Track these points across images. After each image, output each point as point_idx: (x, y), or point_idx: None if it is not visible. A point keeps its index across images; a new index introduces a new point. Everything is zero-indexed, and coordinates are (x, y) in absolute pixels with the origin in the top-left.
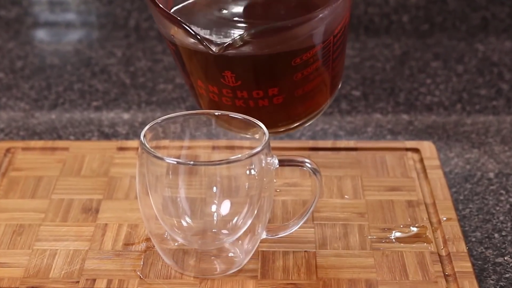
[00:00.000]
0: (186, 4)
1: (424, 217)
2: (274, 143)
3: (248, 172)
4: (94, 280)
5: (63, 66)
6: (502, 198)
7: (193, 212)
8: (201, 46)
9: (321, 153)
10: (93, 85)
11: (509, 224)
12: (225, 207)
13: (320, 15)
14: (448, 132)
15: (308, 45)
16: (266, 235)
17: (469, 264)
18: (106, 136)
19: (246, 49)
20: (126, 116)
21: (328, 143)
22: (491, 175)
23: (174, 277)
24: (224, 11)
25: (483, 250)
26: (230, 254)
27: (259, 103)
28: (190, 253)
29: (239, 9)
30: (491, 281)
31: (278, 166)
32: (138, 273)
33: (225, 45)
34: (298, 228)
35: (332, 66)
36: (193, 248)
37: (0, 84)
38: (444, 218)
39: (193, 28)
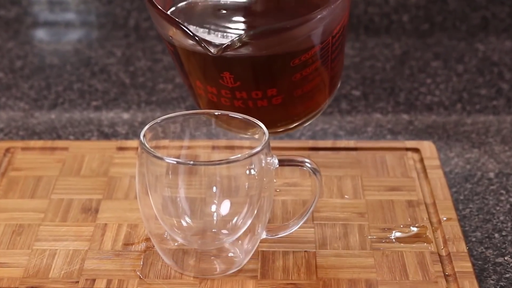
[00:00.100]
0: (184, 4)
1: (424, 217)
2: (274, 143)
3: (248, 172)
4: (94, 280)
5: (62, 65)
6: (502, 198)
7: (193, 212)
8: (199, 48)
9: (321, 153)
10: (93, 85)
11: (509, 224)
12: (225, 207)
13: (319, 16)
14: (448, 132)
15: (307, 46)
16: (266, 235)
17: (469, 264)
18: (105, 136)
19: (245, 50)
20: (125, 116)
21: (328, 143)
22: (491, 175)
23: (173, 277)
24: (223, 11)
25: (483, 250)
26: (230, 254)
27: (258, 104)
28: (190, 253)
29: (237, 9)
30: (491, 281)
31: (278, 166)
32: (137, 273)
33: (223, 46)
34: (298, 228)
35: (331, 66)
36: (193, 248)
37: None
38: (444, 218)
39: (191, 29)
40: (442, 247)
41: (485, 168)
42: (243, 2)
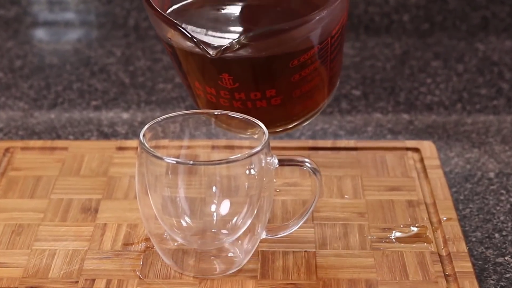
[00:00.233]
0: (183, 5)
1: (424, 217)
2: (273, 143)
3: (247, 171)
4: (93, 280)
5: (62, 65)
6: (503, 198)
7: (192, 212)
8: (198, 49)
9: (321, 152)
10: (92, 84)
11: (509, 224)
12: (225, 207)
13: (318, 17)
14: (448, 131)
15: (306, 47)
16: (266, 235)
17: (470, 264)
18: (105, 136)
19: (244, 51)
20: (125, 115)
21: (328, 143)
22: (492, 174)
23: (173, 277)
24: (221, 12)
25: (484, 250)
26: (230, 254)
27: (257, 104)
28: (190, 253)
29: (236, 9)
30: (492, 281)
31: (277, 165)
32: (137, 273)
33: (222, 48)
34: (298, 228)
35: (330, 67)
36: (192, 248)
37: None
38: (445, 218)
39: (190, 31)
40: (442, 247)
41: (485, 168)
42: (242, 1)
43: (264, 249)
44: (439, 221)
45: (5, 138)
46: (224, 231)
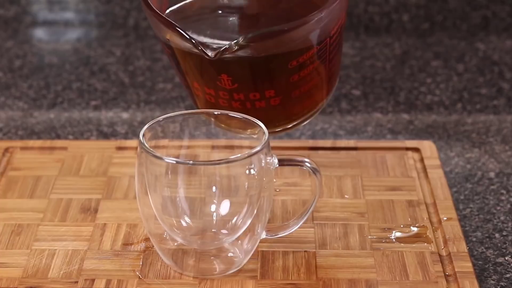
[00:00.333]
0: (181, 6)
1: (424, 217)
2: (273, 143)
3: (247, 171)
4: (93, 280)
5: (61, 65)
6: (503, 197)
7: (192, 212)
8: (196, 51)
9: (321, 152)
10: (92, 84)
11: (509, 224)
12: (225, 206)
13: (317, 18)
14: (448, 131)
15: (305, 48)
16: (266, 235)
17: (470, 264)
18: (105, 136)
19: (243, 53)
20: (125, 115)
21: (328, 143)
22: (492, 174)
23: (173, 277)
24: (220, 12)
25: (484, 250)
26: (230, 254)
27: (256, 105)
28: (190, 253)
29: (234, 10)
30: (492, 281)
31: (277, 165)
32: (137, 273)
33: (221, 50)
34: (298, 228)
35: (329, 67)
36: (192, 248)
37: None
38: (445, 218)
39: (188, 32)
40: (443, 247)
41: (486, 167)
42: (240, 2)
43: (264, 249)
44: (439, 221)
45: (5, 138)
46: (224, 231)
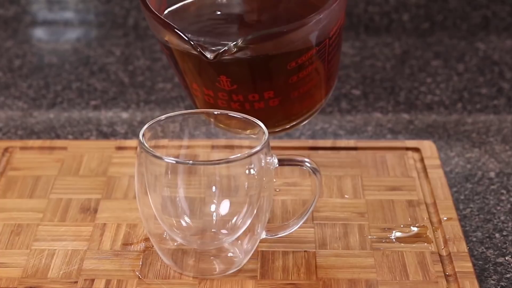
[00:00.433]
0: (180, 6)
1: (424, 217)
2: (273, 143)
3: (247, 171)
4: (93, 280)
5: (61, 65)
6: (503, 197)
7: (192, 211)
8: (195, 52)
9: (321, 152)
10: (92, 84)
11: (510, 224)
12: (225, 206)
13: (315, 20)
14: (448, 131)
15: (304, 49)
16: (266, 235)
17: (470, 264)
18: (104, 136)
19: (241, 54)
20: (124, 115)
21: (328, 143)
22: (492, 174)
23: (173, 277)
24: (218, 13)
25: (484, 250)
26: (230, 254)
27: (255, 106)
28: (189, 253)
29: (233, 10)
30: (492, 281)
31: (277, 165)
32: (137, 273)
33: (220, 52)
34: (298, 228)
35: (328, 67)
36: (192, 248)
37: None
38: (445, 218)
39: (187, 33)
40: (443, 247)
41: (486, 167)
42: (239, 3)
43: (264, 249)
44: (440, 221)
45: (4, 138)
46: (224, 231)
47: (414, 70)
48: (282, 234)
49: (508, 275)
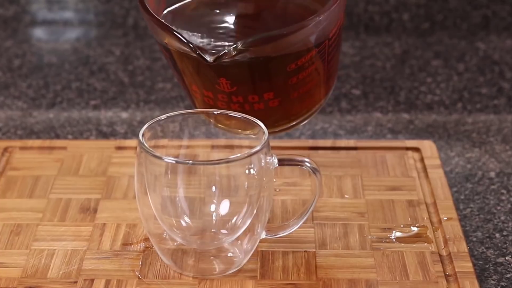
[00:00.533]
0: (179, 6)
1: (424, 217)
2: (273, 142)
3: (247, 171)
4: (92, 280)
5: (61, 64)
6: (503, 197)
7: (192, 211)
8: (195, 55)
9: (321, 152)
10: (91, 83)
11: (510, 224)
12: (224, 206)
13: (315, 22)
14: (448, 131)
15: (303, 51)
16: (266, 235)
17: (470, 264)
18: (104, 135)
19: (241, 57)
20: (124, 115)
21: (328, 142)
22: (492, 174)
23: (172, 277)
24: (217, 13)
25: (484, 250)
26: (229, 254)
27: (254, 107)
28: (189, 253)
29: (232, 11)
30: (492, 281)
31: (277, 165)
32: (136, 273)
33: (219, 54)
34: (298, 228)
35: (327, 68)
36: (192, 248)
37: None
38: (445, 218)
39: (186, 35)
40: (443, 247)
41: (486, 167)
42: (238, 3)
43: (263, 249)
44: (440, 221)
45: (4, 138)
46: (224, 231)
47: (414, 69)
48: (282, 234)
49: (508, 275)
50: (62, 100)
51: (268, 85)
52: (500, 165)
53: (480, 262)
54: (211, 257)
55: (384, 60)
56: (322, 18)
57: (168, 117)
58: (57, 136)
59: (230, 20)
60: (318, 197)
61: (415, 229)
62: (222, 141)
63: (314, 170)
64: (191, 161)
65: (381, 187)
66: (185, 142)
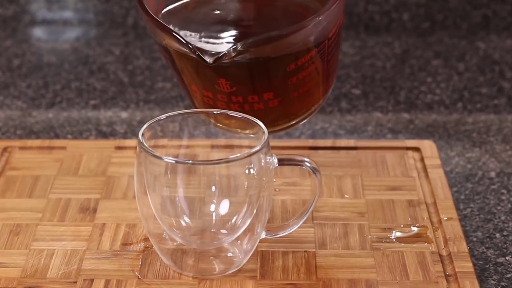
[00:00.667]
0: (178, 5)
1: (424, 217)
2: (273, 142)
3: (247, 171)
4: (92, 280)
5: (60, 64)
6: (504, 197)
7: (191, 211)
8: (194, 56)
9: (321, 152)
10: (91, 83)
11: (510, 223)
12: (224, 206)
13: (315, 22)
14: (449, 131)
15: (303, 51)
16: (266, 235)
17: (470, 264)
18: (104, 135)
19: (241, 58)
20: (124, 114)
21: (328, 142)
22: (492, 174)
23: (172, 277)
24: (216, 13)
25: (484, 250)
26: (229, 254)
27: (254, 107)
28: (189, 253)
29: (231, 10)
30: (493, 281)
31: (277, 165)
32: (136, 273)
33: (219, 55)
34: (298, 227)
35: (327, 67)
36: (191, 248)
37: None
38: (445, 218)
39: (185, 36)
40: (443, 247)
41: (486, 167)
42: (237, 3)
43: (263, 249)
44: (440, 221)
45: (3, 138)
46: (224, 231)
47: (414, 69)
48: (282, 234)
49: (508, 275)
50: (61, 100)
51: (268, 85)
52: (500, 165)
53: (480, 262)
54: (211, 257)
55: (384, 60)
56: (322, 18)
57: (167, 117)
58: (57, 136)
59: (229, 20)
60: (318, 197)
61: (415, 229)
62: (222, 141)
63: (314, 170)
64: (190, 161)
65: (381, 187)
66: (184, 142)
